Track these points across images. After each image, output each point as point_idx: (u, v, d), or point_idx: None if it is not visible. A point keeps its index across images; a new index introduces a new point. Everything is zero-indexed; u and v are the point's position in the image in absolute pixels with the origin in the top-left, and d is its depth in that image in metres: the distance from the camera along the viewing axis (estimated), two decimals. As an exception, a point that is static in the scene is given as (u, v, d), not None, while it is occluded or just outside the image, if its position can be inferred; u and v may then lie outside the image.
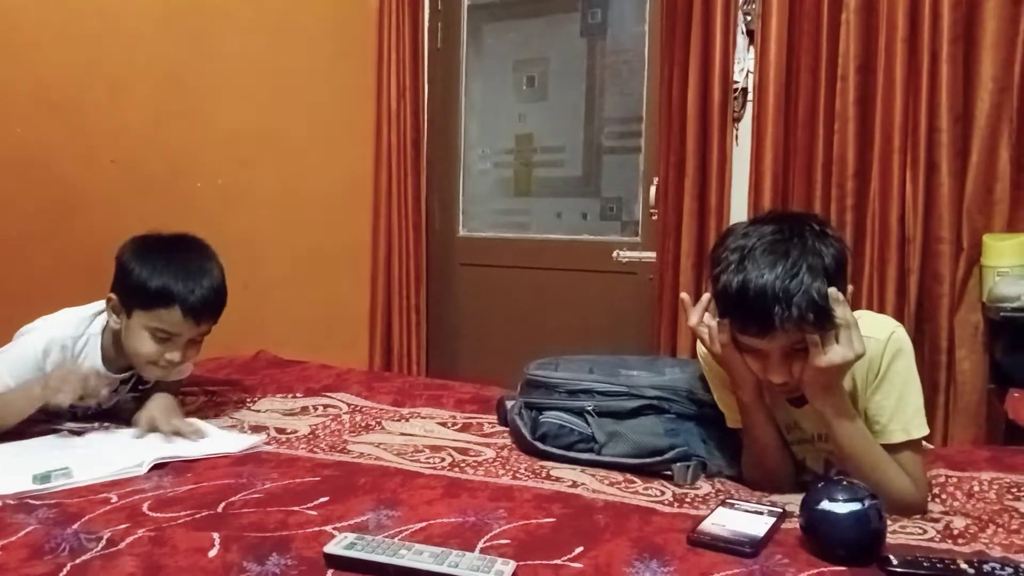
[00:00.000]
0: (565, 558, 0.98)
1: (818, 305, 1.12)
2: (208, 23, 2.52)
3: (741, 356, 1.22)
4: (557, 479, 1.30)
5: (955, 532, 1.11)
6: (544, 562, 0.96)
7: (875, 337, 1.21)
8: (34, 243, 2.13)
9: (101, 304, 1.57)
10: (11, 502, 1.12)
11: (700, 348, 1.35)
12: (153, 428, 1.48)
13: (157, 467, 1.30)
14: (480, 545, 1.01)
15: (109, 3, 2.30)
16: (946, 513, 1.20)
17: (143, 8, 2.37)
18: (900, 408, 1.21)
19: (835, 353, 1.14)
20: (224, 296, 1.54)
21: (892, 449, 1.20)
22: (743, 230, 1.22)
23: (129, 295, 1.49)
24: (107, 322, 1.55)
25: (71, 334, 1.53)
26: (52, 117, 2.20)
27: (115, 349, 1.56)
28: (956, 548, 1.06)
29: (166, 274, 1.46)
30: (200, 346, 1.57)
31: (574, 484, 1.28)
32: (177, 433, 1.46)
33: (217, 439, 1.47)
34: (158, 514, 1.09)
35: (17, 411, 1.44)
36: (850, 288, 1.19)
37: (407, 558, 0.91)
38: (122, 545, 0.98)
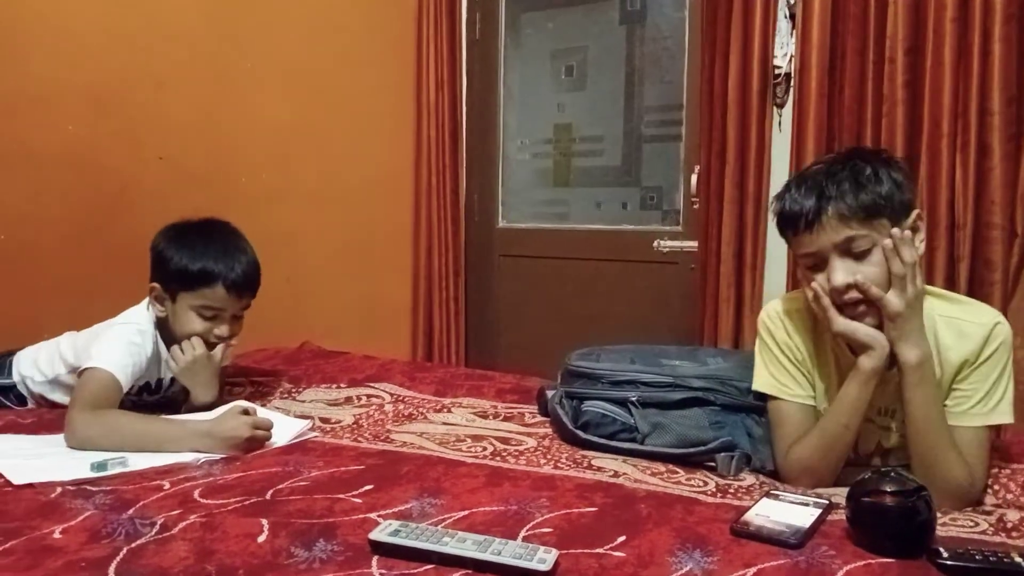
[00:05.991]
0: (607, 547, 0.98)
1: (866, 194, 1.17)
2: (250, 21, 2.55)
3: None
4: (599, 469, 1.31)
5: (1009, 525, 1.08)
6: (586, 551, 0.97)
7: (978, 322, 1.22)
8: (86, 236, 2.19)
9: (144, 301, 1.61)
10: (70, 488, 1.17)
11: (769, 315, 1.35)
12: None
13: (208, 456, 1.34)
14: (522, 533, 1.02)
15: (154, 4, 2.35)
16: (999, 505, 1.17)
17: (187, 7, 2.41)
18: (990, 395, 1.20)
19: (889, 304, 1.16)
20: (259, 271, 1.61)
21: (964, 432, 1.19)
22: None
23: (172, 280, 1.55)
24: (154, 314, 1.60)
25: (148, 328, 1.58)
26: (102, 115, 2.25)
27: (166, 337, 1.61)
28: (1009, 541, 1.03)
29: (206, 256, 1.54)
30: (242, 322, 1.62)
31: (616, 474, 1.28)
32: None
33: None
34: (209, 501, 1.12)
35: (158, 442, 1.35)
36: (920, 239, 1.21)
37: (450, 545, 0.93)
38: (175, 530, 1.01)
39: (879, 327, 1.20)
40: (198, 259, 1.54)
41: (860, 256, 1.18)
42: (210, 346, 1.57)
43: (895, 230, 1.17)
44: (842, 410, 1.23)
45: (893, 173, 1.20)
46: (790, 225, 1.24)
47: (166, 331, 1.60)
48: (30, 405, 1.70)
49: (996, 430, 1.24)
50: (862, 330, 1.20)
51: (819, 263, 1.22)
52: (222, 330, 1.57)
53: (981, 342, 1.20)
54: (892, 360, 1.20)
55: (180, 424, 1.42)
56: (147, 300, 1.61)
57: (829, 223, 1.18)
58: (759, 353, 1.37)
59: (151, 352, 1.56)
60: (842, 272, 1.18)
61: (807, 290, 1.25)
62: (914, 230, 1.21)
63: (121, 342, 1.52)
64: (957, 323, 1.23)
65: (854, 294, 1.19)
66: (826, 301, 1.21)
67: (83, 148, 2.22)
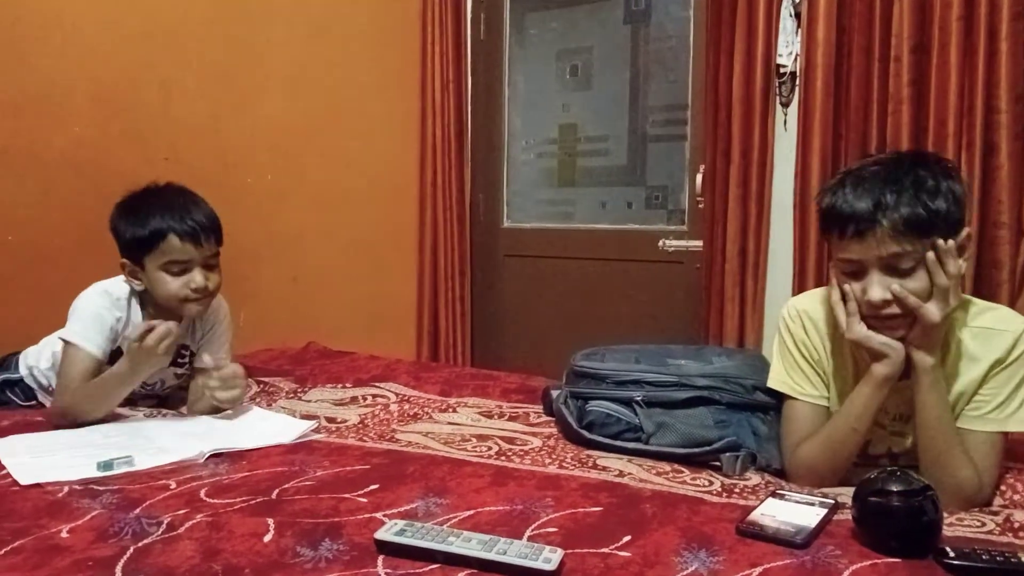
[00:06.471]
0: (613, 547, 0.98)
1: (923, 209, 1.12)
2: (255, 22, 2.56)
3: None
4: (604, 468, 1.31)
5: (1016, 525, 1.08)
6: (592, 550, 0.97)
7: (1006, 329, 1.19)
8: (92, 238, 2.20)
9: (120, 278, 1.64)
10: (77, 487, 1.17)
11: (790, 312, 1.32)
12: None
13: (213, 455, 1.34)
14: (528, 533, 1.02)
15: (160, 5, 2.36)
16: (1006, 506, 1.17)
17: (192, 9, 2.42)
18: (1009, 401, 1.18)
19: (929, 314, 1.13)
20: (215, 218, 1.62)
21: (977, 435, 1.18)
22: (855, 162, 1.25)
23: (134, 251, 1.58)
24: (132, 291, 1.63)
25: (121, 294, 1.62)
26: (108, 117, 2.26)
27: (148, 313, 1.63)
28: (1017, 541, 1.03)
29: (153, 217, 1.56)
30: (217, 272, 1.62)
31: (621, 473, 1.28)
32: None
33: (269, 431, 1.50)
34: (215, 500, 1.13)
35: (114, 393, 1.53)
36: (966, 257, 1.16)
37: (456, 545, 0.93)
38: (181, 530, 1.02)
39: (903, 340, 1.18)
40: (147, 221, 1.55)
41: (904, 274, 1.14)
42: (191, 302, 1.58)
43: (940, 241, 1.13)
44: (852, 413, 1.22)
45: (954, 187, 1.15)
46: (837, 225, 1.17)
47: (151, 305, 1.62)
48: (40, 398, 1.72)
49: (1005, 432, 1.23)
50: (876, 339, 1.18)
51: (859, 271, 1.17)
52: (196, 280, 1.57)
53: (1009, 346, 1.18)
54: (907, 371, 1.19)
55: (120, 363, 1.52)
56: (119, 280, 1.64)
57: (881, 235, 1.13)
58: (777, 349, 1.36)
59: (126, 316, 1.60)
60: (879, 289, 1.15)
61: (832, 288, 1.23)
62: (961, 248, 1.15)
63: (87, 312, 1.58)
64: (986, 332, 1.21)
65: (892, 309, 1.15)
66: (852, 307, 1.19)
67: (89, 149, 2.23)
